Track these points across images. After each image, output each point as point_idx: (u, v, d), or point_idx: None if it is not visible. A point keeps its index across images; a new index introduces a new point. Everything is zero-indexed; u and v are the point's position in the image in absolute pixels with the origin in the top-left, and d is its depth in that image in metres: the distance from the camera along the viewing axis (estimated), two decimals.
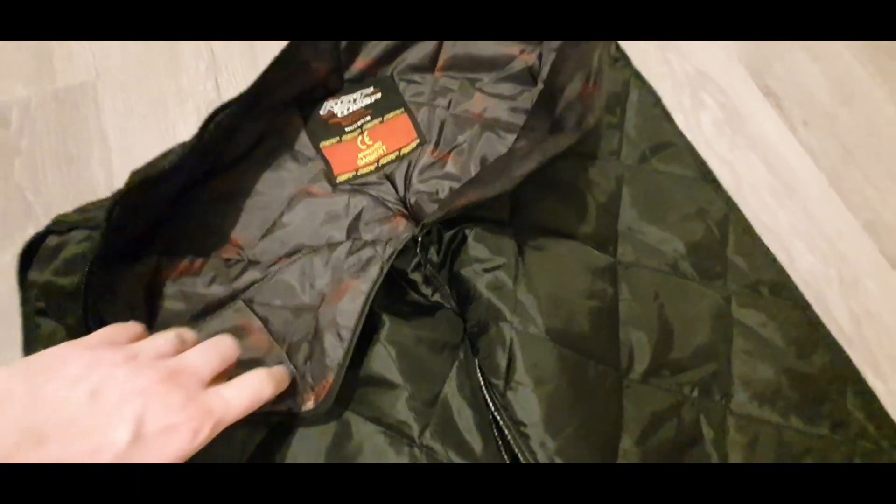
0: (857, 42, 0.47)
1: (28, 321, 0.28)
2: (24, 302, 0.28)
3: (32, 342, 0.28)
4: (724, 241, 0.35)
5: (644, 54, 0.44)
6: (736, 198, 0.38)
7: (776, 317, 0.33)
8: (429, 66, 0.38)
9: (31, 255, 0.27)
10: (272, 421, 0.27)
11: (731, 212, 0.36)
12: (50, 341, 0.28)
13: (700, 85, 0.43)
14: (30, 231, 0.32)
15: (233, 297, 0.29)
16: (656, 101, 0.39)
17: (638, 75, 0.40)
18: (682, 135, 0.38)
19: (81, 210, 0.27)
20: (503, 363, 0.26)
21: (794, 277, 0.36)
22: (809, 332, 0.33)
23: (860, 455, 0.31)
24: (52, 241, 0.26)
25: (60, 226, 0.26)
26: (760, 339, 0.32)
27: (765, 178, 0.40)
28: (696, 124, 0.41)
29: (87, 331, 0.25)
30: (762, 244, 0.36)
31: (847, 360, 0.33)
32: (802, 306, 0.34)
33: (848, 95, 0.45)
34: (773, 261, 0.35)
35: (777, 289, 0.34)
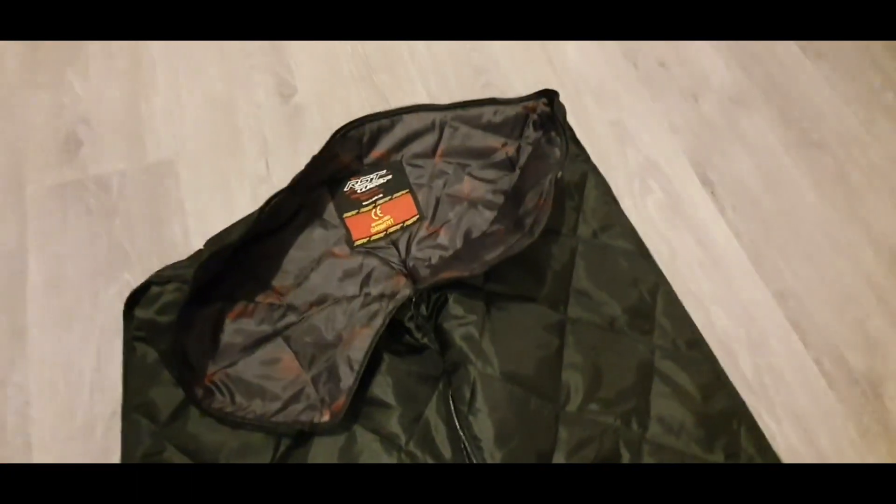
0: (788, 137, 0.57)
1: (128, 345, 0.38)
2: (126, 331, 0.39)
3: (130, 360, 0.38)
4: (653, 305, 0.45)
5: (606, 148, 0.54)
6: (670, 268, 0.48)
7: (689, 367, 0.42)
8: (430, 153, 0.49)
9: (135, 298, 0.38)
10: (296, 430, 0.37)
11: (661, 282, 0.46)
12: (143, 360, 0.38)
13: (649, 173, 0.53)
14: (126, 275, 0.44)
15: (275, 334, 0.40)
16: (607, 189, 0.49)
17: (594, 169, 0.50)
18: (625, 217, 0.48)
19: (174, 267, 0.38)
20: (468, 394, 0.36)
21: (710, 335, 0.45)
22: (714, 381, 0.42)
23: None
24: (154, 290, 0.37)
25: (160, 279, 0.37)
26: (675, 384, 0.42)
27: (695, 253, 0.50)
28: (642, 206, 0.52)
29: (173, 357, 0.35)
30: (683, 309, 0.45)
31: (743, 405, 0.42)
32: (711, 360, 0.43)
33: (775, 184, 0.55)
34: (690, 322, 0.45)
35: (692, 345, 0.44)
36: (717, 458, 0.39)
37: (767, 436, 0.41)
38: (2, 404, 0.38)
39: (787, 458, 0.41)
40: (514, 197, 0.41)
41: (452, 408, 0.36)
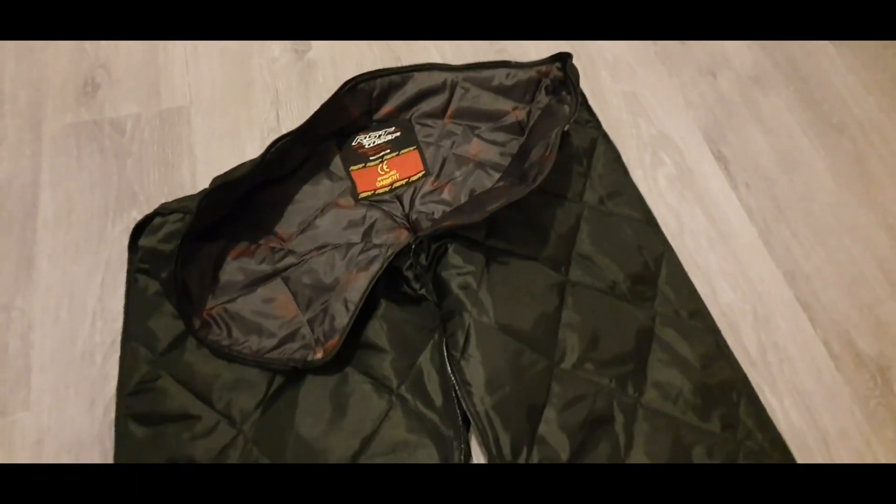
0: (807, 119, 0.56)
1: (130, 276, 0.39)
2: (130, 262, 0.39)
3: (132, 290, 0.39)
4: (657, 273, 0.44)
5: (618, 118, 0.54)
6: (676, 239, 0.47)
7: (690, 336, 0.41)
8: (440, 114, 0.49)
9: (140, 229, 0.38)
10: (290, 367, 0.37)
11: (666, 251, 0.45)
12: (144, 292, 0.39)
13: (661, 146, 0.53)
14: (134, 213, 0.44)
15: (275, 274, 0.40)
16: (617, 156, 0.49)
17: (604, 136, 0.50)
18: (634, 185, 0.48)
19: (179, 200, 0.39)
20: (461, 341, 0.35)
21: (714, 309, 0.44)
22: (716, 352, 0.41)
23: (744, 453, 0.38)
24: (158, 220, 0.37)
25: (164, 210, 0.38)
26: (674, 352, 0.41)
27: (703, 226, 0.49)
28: (652, 177, 0.51)
29: (174, 283, 0.36)
30: (688, 279, 0.44)
31: (744, 377, 0.41)
32: (714, 331, 0.42)
33: (791, 165, 0.54)
34: (694, 292, 0.44)
35: (694, 315, 0.43)
36: (714, 427, 0.39)
37: (768, 412, 0.40)
38: (5, 327, 0.39)
39: (787, 435, 0.40)
40: (521, 154, 0.41)
41: (445, 353, 0.36)
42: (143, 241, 0.37)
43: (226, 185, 0.38)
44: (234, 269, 0.39)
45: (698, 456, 0.37)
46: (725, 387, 0.40)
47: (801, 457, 0.40)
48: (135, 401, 0.35)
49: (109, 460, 0.35)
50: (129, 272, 0.39)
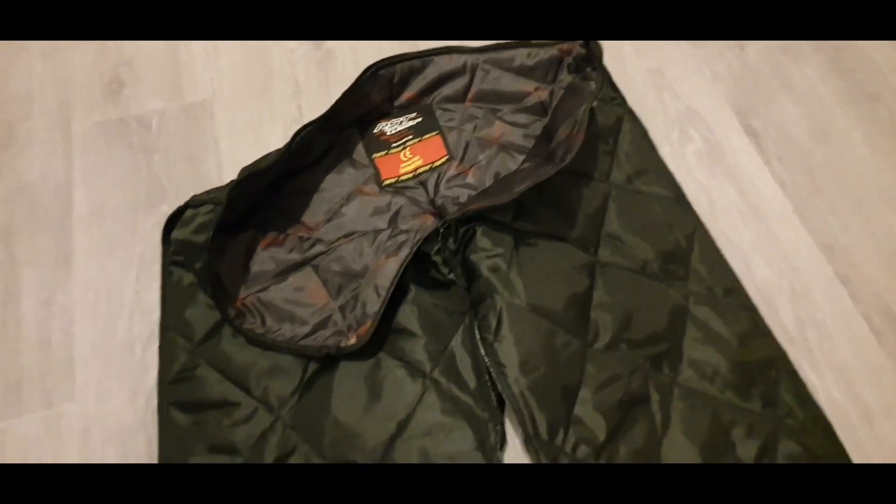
0: (840, 88, 0.54)
1: (165, 268, 0.40)
2: (164, 254, 0.40)
3: (167, 282, 0.40)
4: (689, 251, 0.43)
5: (643, 94, 0.52)
6: (708, 216, 0.46)
7: (725, 314, 0.41)
8: (461, 97, 0.49)
9: (172, 222, 0.39)
10: (323, 353, 0.37)
11: (698, 228, 0.44)
12: (179, 283, 0.39)
13: (688, 121, 0.51)
14: (164, 207, 0.45)
15: (304, 263, 0.40)
16: (644, 134, 0.48)
17: (630, 112, 0.48)
18: (662, 162, 0.47)
19: (209, 192, 0.39)
20: (493, 323, 0.35)
21: (749, 285, 0.43)
22: (753, 329, 0.40)
23: (785, 431, 0.38)
24: (189, 213, 0.38)
25: (195, 202, 0.38)
26: (710, 330, 0.40)
27: (735, 202, 0.47)
28: (681, 154, 0.49)
29: (207, 273, 0.36)
30: (721, 256, 0.43)
31: (783, 354, 0.40)
32: (750, 308, 0.41)
33: (825, 135, 0.52)
34: (728, 270, 0.43)
35: (729, 292, 0.42)
36: (754, 405, 0.38)
37: (808, 388, 0.39)
38: (48, 322, 0.40)
39: (829, 411, 0.39)
40: (546, 134, 0.40)
41: (478, 336, 0.36)
42: (176, 234, 0.38)
43: (253, 175, 0.38)
44: (264, 259, 0.40)
45: (738, 435, 0.37)
46: (764, 364, 0.39)
47: (844, 433, 0.39)
48: (176, 389, 0.36)
49: (154, 447, 0.35)
50: (163, 265, 0.40)
